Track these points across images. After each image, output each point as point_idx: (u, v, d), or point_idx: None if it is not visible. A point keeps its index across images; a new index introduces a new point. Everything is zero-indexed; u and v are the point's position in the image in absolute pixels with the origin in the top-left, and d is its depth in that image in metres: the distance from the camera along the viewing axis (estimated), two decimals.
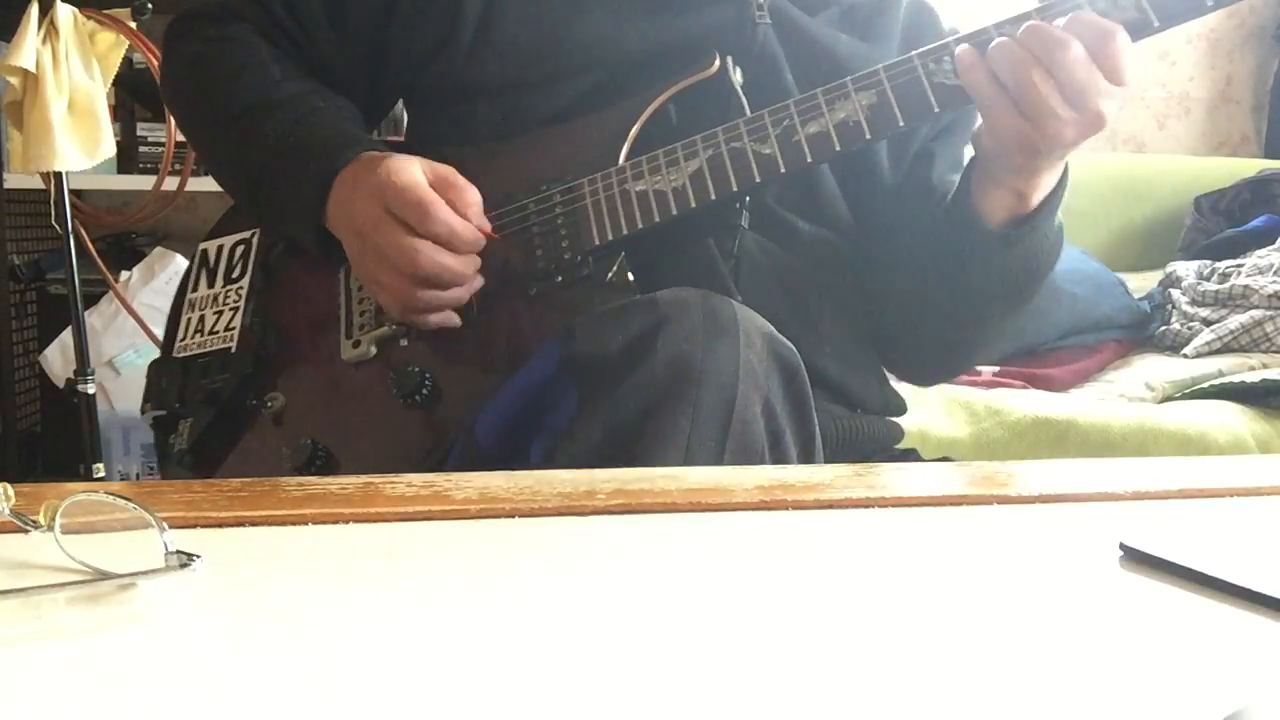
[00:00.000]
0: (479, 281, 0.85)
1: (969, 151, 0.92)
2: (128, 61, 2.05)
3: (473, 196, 0.84)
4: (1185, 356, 2.17)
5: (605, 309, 0.74)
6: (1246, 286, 2.22)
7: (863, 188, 0.96)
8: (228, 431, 0.93)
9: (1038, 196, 0.86)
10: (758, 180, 0.83)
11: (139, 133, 2.53)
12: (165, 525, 0.43)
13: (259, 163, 0.91)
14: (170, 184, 2.14)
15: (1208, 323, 2.22)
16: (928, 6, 1.01)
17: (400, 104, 1.05)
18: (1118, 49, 0.77)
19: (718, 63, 0.88)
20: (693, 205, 0.83)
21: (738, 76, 0.89)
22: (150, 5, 1.89)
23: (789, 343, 0.73)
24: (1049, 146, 0.79)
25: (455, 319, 0.85)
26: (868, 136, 0.82)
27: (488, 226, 0.84)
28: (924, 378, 1.09)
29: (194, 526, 0.50)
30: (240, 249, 1.01)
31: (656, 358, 0.68)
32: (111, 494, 0.45)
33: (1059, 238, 0.91)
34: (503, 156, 0.91)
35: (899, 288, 0.96)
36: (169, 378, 0.98)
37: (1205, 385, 1.99)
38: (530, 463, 0.71)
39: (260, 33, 0.97)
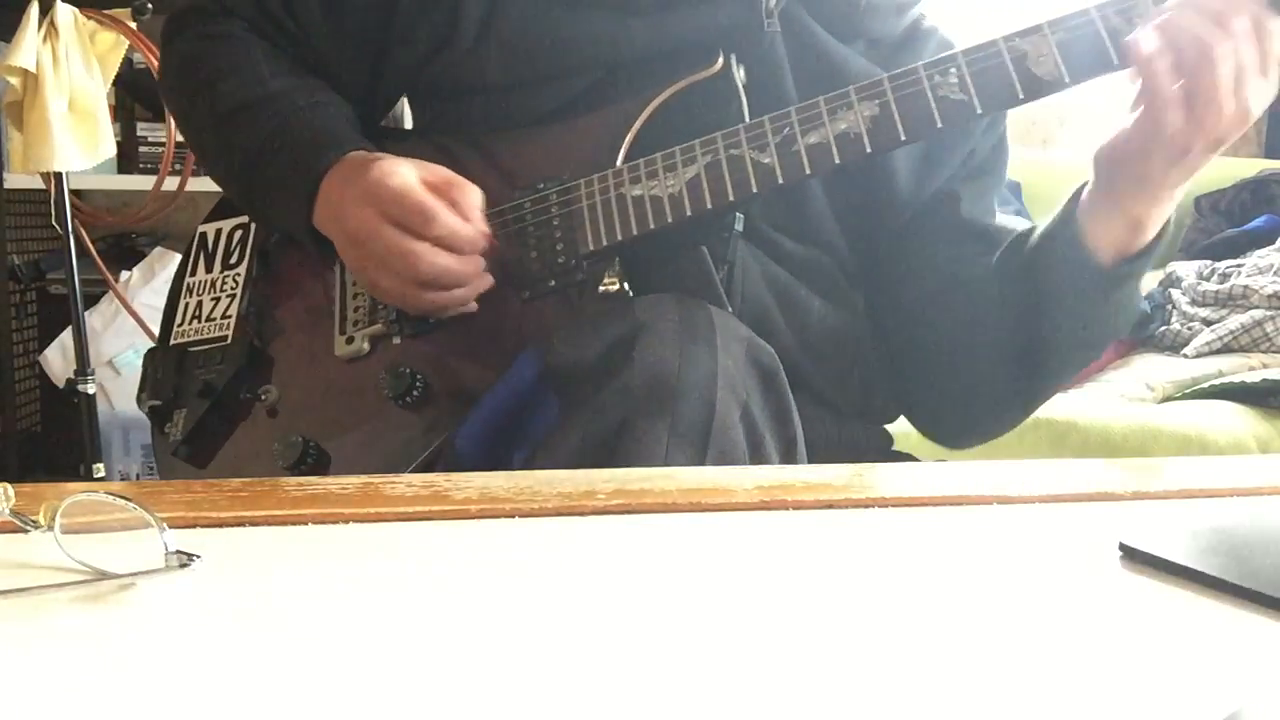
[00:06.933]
0: (486, 281, 0.84)
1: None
2: (128, 61, 2.06)
3: (475, 196, 0.83)
4: (1185, 356, 2.17)
5: (583, 318, 0.74)
6: (1246, 287, 2.22)
7: (873, 218, 0.93)
8: (222, 423, 0.93)
9: (1153, 228, 0.81)
10: (755, 190, 0.81)
11: (139, 133, 2.53)
12: (165, 525, 0.43)
13: (248, 163, 0.91)
14: (170, 184, 2.15)
15: (1208, 323, 2.22)
16: (951, 46, 0.97)
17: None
18: (1270, 33, 0.72)
19: (720, 61, 0.86)
20: (688, 213, 0.82)
21: (740, 75, 0.87)
22: (150, 5, 1.89)
23: (768, 347, 0.73)
24: (1202, 144, 0.74)
25: (473, 305, 0.84)
26: (868, 150, 0.79)
27: (488, 230, 0.83)
28: (960, 439, 1.02)
29: (194, 526, 0.50)
30: (239, 233, 1.00)
31: (634, 367, 0.68)
32: (111, 494, 0.45)
33: (1140, 296, 0.88)
34: (503, 149, 0.91)
35: (944, 338, 0.93)
36: (164, 367, 0.97)
37: (1205, 385, 1.99)
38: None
39: (255, 29, 0.96)
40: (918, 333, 0.94)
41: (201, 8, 0.99)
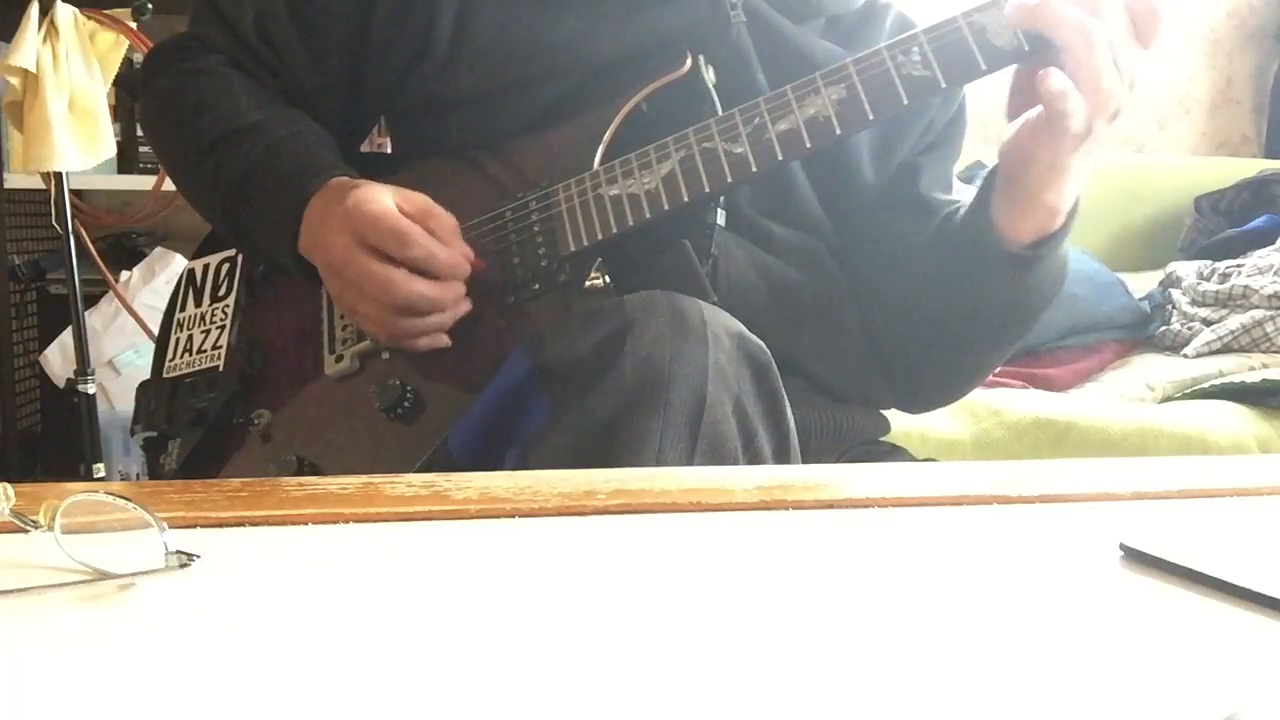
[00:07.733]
0: (465, 307, 0.84)
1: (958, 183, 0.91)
2: (128, 61, 2.05)
3: (451, 223, 0.83)
4: (1185, 356, 2.17)
5: (573, 315, 0.74)
6: (1246, 287, 2.22)
7: (843, 194, 0.95)
8: (217, 451, 0.93)
9: (1066, 207, 0.83)
10: (729, 180, 0.82)
11: (139, 133, 2.53)
12: (165, 525, 0.43)
13: (232, 195, 0.91)
14: (170, 184, 2.14)
15: (1208, 323, 2.22)
16: (911, 24, 0.99)
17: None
18: (1159, 7, 0.75)
19: (689, 62, 0.87)
20: (666, 207, 0.82)
21: (710, 75, 0.88)
22: (150, 5, 1.89)
23: (759, 341, 0.73)
24: (1101, 121, 0.76)
25: (444, 339, 0.84)
26: (838, 132, 0.80)
27: (471, 253, 0.83)
28: (916, 404, 1.06)
29: (194, 526, 0.50)
30: (226, 266, 1.02)
31: (625, 362, 0.68)
32: (111, 494, 0.45)
33: (1066, 263, 0.90)
34: (481, 165, 0.91)
35: (890, 307, 0.95)
36: (157, 399, 0.98)
37: (1205, 385, 1.99)
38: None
39: (233, 63, 0.96)
40: (881, 304, 0.96)
41: (178, 45, 0.99)
